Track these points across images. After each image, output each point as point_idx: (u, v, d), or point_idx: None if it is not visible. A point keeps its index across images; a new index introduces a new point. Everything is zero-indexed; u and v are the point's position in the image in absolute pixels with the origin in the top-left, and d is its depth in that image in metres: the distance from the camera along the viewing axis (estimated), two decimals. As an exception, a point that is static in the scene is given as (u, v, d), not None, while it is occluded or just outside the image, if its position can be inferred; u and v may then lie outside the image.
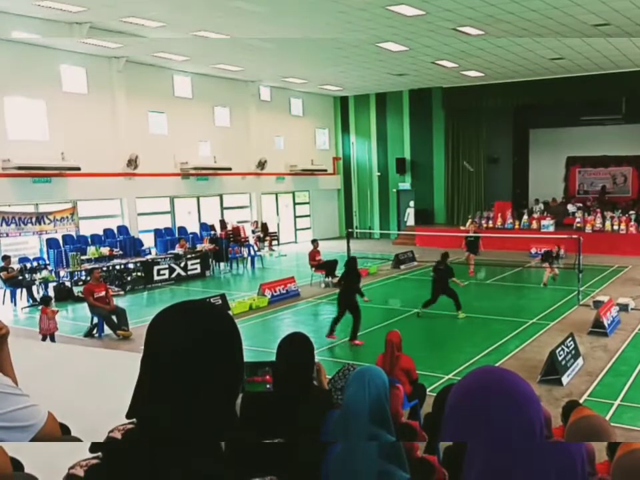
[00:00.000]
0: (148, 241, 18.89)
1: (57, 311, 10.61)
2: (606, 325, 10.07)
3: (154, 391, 1.17)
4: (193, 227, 20.88)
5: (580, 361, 8.49)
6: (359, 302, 10.41)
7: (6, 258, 14.53)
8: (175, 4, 12.87)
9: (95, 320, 11.29)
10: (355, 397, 2.13)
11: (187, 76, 20.73)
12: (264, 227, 23.11)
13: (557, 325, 10.86)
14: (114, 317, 11.15)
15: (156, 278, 16.34)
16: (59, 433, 1.77)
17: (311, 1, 12.70)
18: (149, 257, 17.30)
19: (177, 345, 1.18)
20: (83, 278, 15.53)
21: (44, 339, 10.01)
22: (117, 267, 16.35)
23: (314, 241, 16.44)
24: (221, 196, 22.55)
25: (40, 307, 10.67)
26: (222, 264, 19.25)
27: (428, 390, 6.80)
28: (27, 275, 14.84)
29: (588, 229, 20.28)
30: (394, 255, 18.77)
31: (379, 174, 27.00)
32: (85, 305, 11.62)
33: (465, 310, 11.63)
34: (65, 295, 14.65)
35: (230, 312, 11.19)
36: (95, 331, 11.25)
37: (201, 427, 1.15)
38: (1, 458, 1.57)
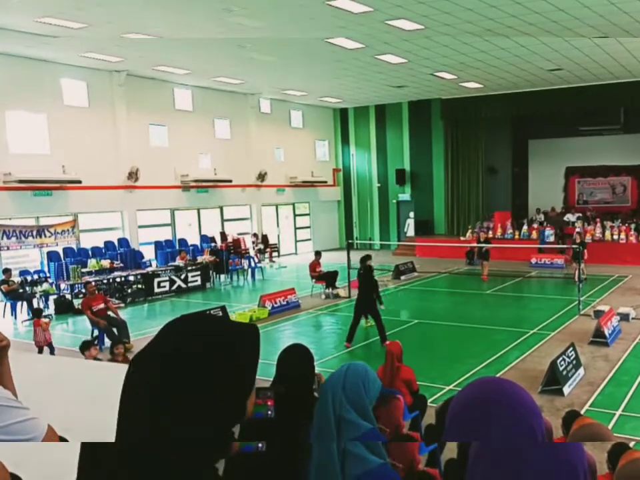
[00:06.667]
0: (148, 253, 18.89)
1: (49, 322, 10.63)
2: (607, 335, 10.04)
3: (153, 405, 1.17)
4: (194, 239, 20.89)
5: (581, 371, 8.46)
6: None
7: (7, 271, 14.53)
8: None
9: (96, 332, 11.29)
10: (330, 381, 2.10)
11: (188, 89, 20.83)
12: (264, 238, 23.11)
13: (557, 335, 10.83)
14: (115, 330, 11.14)
15: (156, 290, 16.34)
16: (59, 446, 1.76)
17: (311, 16, 12.78)
18: (149, 269, 17.29)
19: (181, 354, 1.17)
20: (84, 291, 15.51)
21: (40, 351, 10.01)
22: (118, 280, 16.35)
23: (317, 253, 16.40)
24: (221, 208, 22.58)
25: (33, 320, 10.69)
26: (222, 276, 19.24)
27: (429, 401, 6.77)
28: (27, 288, 14.84)
29: (588, 238, 20.27)
30: (394, 266, 18.76)
31: (378, 185, 27.05)
32: (85, 317, 11.63)
33: (466, 321, 11.57)
34: (65, 308, 14.65)
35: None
36: (95, 344, 11.21)
37: (201, 435, 1.14)
38: (0, 473, 1.56)
